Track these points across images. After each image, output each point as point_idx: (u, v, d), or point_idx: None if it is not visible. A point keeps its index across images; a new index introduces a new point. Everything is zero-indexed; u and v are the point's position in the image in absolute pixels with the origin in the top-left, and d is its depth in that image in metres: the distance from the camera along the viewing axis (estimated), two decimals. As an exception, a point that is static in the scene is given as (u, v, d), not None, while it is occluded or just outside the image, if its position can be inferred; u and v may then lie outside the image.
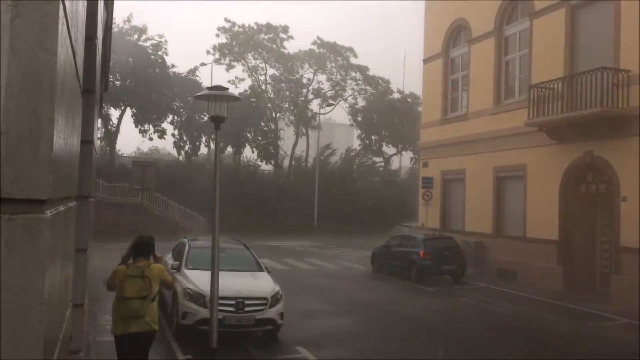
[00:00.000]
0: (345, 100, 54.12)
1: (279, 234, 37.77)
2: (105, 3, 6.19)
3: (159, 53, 43.92)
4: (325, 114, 55.32)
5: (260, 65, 51.49)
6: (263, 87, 50.91)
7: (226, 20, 50.08)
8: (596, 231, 18.20)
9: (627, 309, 14.63)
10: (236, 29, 49.94)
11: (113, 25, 8.72)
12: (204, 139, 45.71)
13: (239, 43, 49.77)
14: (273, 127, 49.07)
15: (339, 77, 52.90)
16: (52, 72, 1.46)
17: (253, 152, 47.48)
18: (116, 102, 41.61)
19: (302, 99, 51.78)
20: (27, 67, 1.39)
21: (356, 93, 53.88)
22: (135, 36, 43.38)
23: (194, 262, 11.73)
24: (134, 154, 55.55)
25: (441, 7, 25.44)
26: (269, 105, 49.47)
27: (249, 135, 46.19)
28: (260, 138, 46.65)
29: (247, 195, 41.43)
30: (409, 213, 35.87)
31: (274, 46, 50.44)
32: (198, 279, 10.83)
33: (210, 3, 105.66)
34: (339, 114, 64.15)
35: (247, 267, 12.09)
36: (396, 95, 53.63)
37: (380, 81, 53.06)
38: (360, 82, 53.23)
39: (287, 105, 52.15)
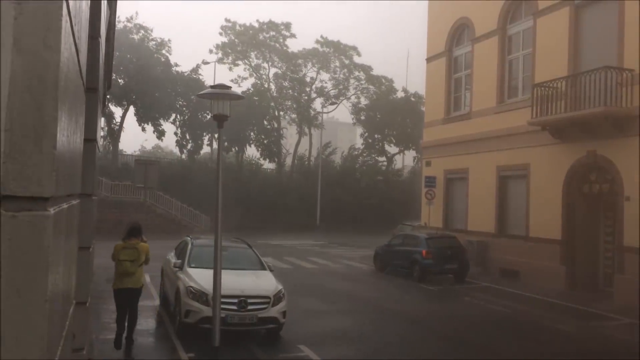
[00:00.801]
0: (348, 99, 54.13)
1: (281, 233, 37.79)
2: (108, 2, 6.20)
3: (162, 52, 43.97)
4: (328, 112, 55.32)
5: (263, 64, 51.53)
6: (266, 85, 50.92)
7: (227, 20, 50.12)
8: (599, 231, 18.15)
9: (630, 308, 14.59)
10: (238, 27, 49.95)
11: (116, 24, 8.73)
12: (206, 137, 45.76)
13: (241, 42, 49.77)
14: (276, 125, 49.09)
15: (342, 76, 52.88)
16: (55, 69, 1.46)
17: (257, 150, 47.53)
18: (119, 101, 41.68)
19: (305, 97, 51.76)
20: (30, 64, 1.39)
21: (359, 92, 53.87)
22: (139, 35, 43.42)
23: (197, 261, 11.75)
24: (137, 152, 55.64)
25: (444, 6, 25.40)
26: (272, 104, 49.48)
27: (251, 134, 46.22)
28: (263, 137, 46.68)
29: (250, 193, 41.45)
30: (412, 212, 35.84)
31: (277, 44, 50.43)
32: (201, 277, 10.84)
33: (213, 2, 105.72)
34: (342, 113, 64.18)
35: (250, 265, 12.10)
36: (400, 94, 53.58)
37: (383, 80, 53.02)
38: (363, 82, 53.21)
39: (290, 104, 52.14)
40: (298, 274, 19.94)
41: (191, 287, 10.64)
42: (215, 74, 50.74)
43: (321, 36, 51.79)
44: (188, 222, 37.08)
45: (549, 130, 18.57)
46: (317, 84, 52.61)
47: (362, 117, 53.05)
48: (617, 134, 16.44)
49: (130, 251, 9.87)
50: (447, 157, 24.45)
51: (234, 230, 26.76)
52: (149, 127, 43.59)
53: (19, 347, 1.38)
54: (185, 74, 45.12)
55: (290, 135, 62.95)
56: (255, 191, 42.16)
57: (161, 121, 43.78)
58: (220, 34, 50.09)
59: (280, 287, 11.08)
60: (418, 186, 32.77)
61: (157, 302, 14.02)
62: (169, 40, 44.58)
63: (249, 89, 47.45)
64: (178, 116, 44.74)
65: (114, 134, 43.18)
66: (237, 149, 46.73)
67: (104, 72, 6.66)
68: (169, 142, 51.42)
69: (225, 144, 43.05)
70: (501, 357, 10.51)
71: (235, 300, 10.29)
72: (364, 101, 53.86)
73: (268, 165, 49.66)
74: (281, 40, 50.35)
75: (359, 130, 56.60)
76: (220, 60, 49.98)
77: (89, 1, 3.04)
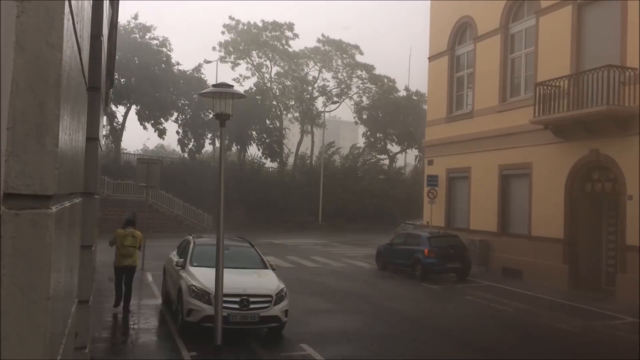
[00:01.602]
0: (351, 98, 54.09)
1: (283, 232, 37.79)
2: (111, 1, 6.20)
3: (164, 50, 43.98)
4: (330, 111, 55.31)
5: (265, 63, 51.53)
6: (268, 84, 50.92)
7: (231, 18, 50.13)
8: (602, 230, 18.13)
9: (633, 307, 14.58)
10: (241, 26, 49.94)
11: (118, 23, 8.74)
12: (208, 136, 45.79)
13: (244, 41, 49.76)
14: (278, 124, 49.07)
15: (344, 74, 52.85)
16: (57, 68, 1.46)
17: (259, 149, 47.53)
18: (121, 100, 41.72)
19: (307, 96, 51.74)
20: (33, 63, 1.39)
21: (361, 91, 53.84)
22: (141, 34, 43.45)
23: (199, 260, 11.76)
24: (139, 151, 55.68)
25: (447, 4, 25.37)
26: (274, 102, 49.47)
27: (253, 133, 46.21)
28: (265, 136, 46.67)
29: (252, 192, 41.47)
30: (414, 211, 35.83)
31: (279, 44, 50.40)
32: (203, 276, 10.85)
33: (215, 2, 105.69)
34: (344, 112, 64.17)
35: (252, 264, 12.11)
36: (402, 93, 53.53)
37: (385, 80, 52.98)
38: (365, 81, 53.16)
39: (292, 103, 52.13)
40: (300, 272, 19.94)
41: (193, 285, 10.65)
42: (217, 73, 50.86)
43: (322, 35, 51.80)
44: (190, 221, 37.12)
45: (552, 129, 18.54)
46: (320, 82, 52.65)
47: (364, 116, 53.02)
48: (619, 133, 16.41)
49: (130, 238, 12.64)
50: (449, 156, 24.43)
51: (236, 229, 26.78)
52: (150, 126, 43.62)
53: (22, 345, 1.38)
54: (188, 73, 45.14)
55: (292, 135, 62.95)
56: (257, 190, 42.17)
57: (162, 120, 43.81)
58: (223, 32, 50.12)
59: (282, 286, 11.09)
60: (420, 185, 32.76)
61: (159, 300, 14.04)
62: (168, 39, 44.56)
63: (251, 88, 47.45)
64: (180, 115, 44.77)
65: (116, 132, 43.24)
66: (239, 148, 46.74)
67: (106, 71, 6.66)
68: (171, 141, 51.45)
69: (227, 142, 43.07)
70: (504, 356, 10.50)
71: (238, 299, 10.29)
72: (366, 100, 53.84)
73: (270, 164, 49.67)
74: (284, 40, 50.33)
75: (362, 129, 56.58)
76: (222, 59, 50.00)
77: (91, 0, 3.04)
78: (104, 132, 39.02)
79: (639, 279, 14.91)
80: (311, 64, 52.25)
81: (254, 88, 47.79)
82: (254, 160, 48.51)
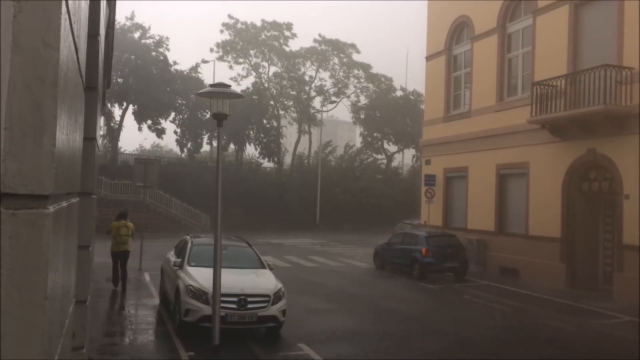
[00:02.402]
0: (348, 97, 54.11)
1: (281, 232, 37.79)
2: (108, 1, 6.19)
3: (160, 50, 43.92)
4: (327, 111, 55.30)
5: (262, 62, 51.50)
6: (265, 84, 50.91)
7: (230, 17, 50.09)
8: (599, 229, 18.17)
9: (630, 306, 14.61)
10: (240, 25, 49.90)
11: (115, 23, 8.73)
12: (206, 136, 45.75)
13: (242, 40, 49.74)
14: (275, 124, 49.07)
15: (341, 74, 52.86)
16: (54, 68, 1.46)
17: (256, 149, 47.52)
18: (118, 100, 41.66)
19: (305, 96, 51.75)
20: (29, 62, 1.39)
21: (359, 91, 53.86)
22: (138, 34, 43.38)
23: (197, 260, 11.75)
24: (136, 151, 55.63)
25: (444, 4, 25.40)
26: (272, 102, 49.46)
27: (251, 132, 46.20)
28: (262, 135, 46.66)
29: (250, 192, 41.46)
30: (412, 211, 35.87)
31: (277, 44, 50.39)
32: (201, 276, 10.84)
33: (212, 2, 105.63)
34: (341, 111, 64.17)
35: (250, 264, 12.11)
36: (399, 93, 53.56)
37: (382, 79, 53.00)
38: (362, 80, 53.18)
39: (289, 103, 52.13)
40: (298, 272, 19.95)
41: (191, 285, 10.65)
42: (214, 73, 50.75)
43: (319, 34, 51.82)
44: (188, 221, 37.09)
45: (549, 128, 18.57)
46: (317, 82, 52.66)
47: (362, 116, 53.04)
48: (616, 132, 16.44)
49: (124, 228, 15.38)
50: (446, 155, 24.46)
51: (234, 228, 26.75)
52: (147, 127, 43.55)
53: (19, 345, 1.38)
54: (185, 73, 45.10)
55: (289, 134, 62.96)
56: (255, 190, 42.16)
57: (160, 120, 43.75)
58: (222, 31, 50.08)
59: (280, 285, 11.09)
60: (417, 185, 32.79)
61: (157, 300, 14.03)
62: (167, 37, 44.49)
63: (248, 88, 47.43)
64: (178, 115, 44.72)
65: (114, 132, 43.18)
66: (236, 147, 46.71)
67: (103, 71, 6.65)
68: (169, 140, 51.44)
69: (225, 142, 43.07)
70: (501, 355, 10.52)
71: (235, 299, 10.29)
72: (363, 100, 53.88)
73: (267, 164, 49.66)
74: (281, 40, 50.32)
75: (359, 128, 56.60)
76: (220, 58, 49.97)
77: (88, 0, 3.04)
78: (102, 132, 39.03)
79: (639, 278, 14.92)
80: (308, 63, 52.26)
81: (252, 88, 47.78)
82: (251, 160, 48.49)
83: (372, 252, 23.14)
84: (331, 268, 22.08)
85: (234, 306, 10.26)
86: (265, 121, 47.15)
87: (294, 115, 52.31)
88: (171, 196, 37.25)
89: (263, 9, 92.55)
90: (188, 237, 13.62)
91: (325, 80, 52.98)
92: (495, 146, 21.38)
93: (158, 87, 41.84)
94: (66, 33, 1.65)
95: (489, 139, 21.62)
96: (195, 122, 44.29)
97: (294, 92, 51.42)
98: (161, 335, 11.07)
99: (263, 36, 49.83)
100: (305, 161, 51.99)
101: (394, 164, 56.16)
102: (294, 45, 51.79)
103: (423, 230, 22.83)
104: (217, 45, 49.87)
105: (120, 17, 43.43)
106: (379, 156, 54.40)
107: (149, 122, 43.15)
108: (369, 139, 52.78)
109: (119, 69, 39.77)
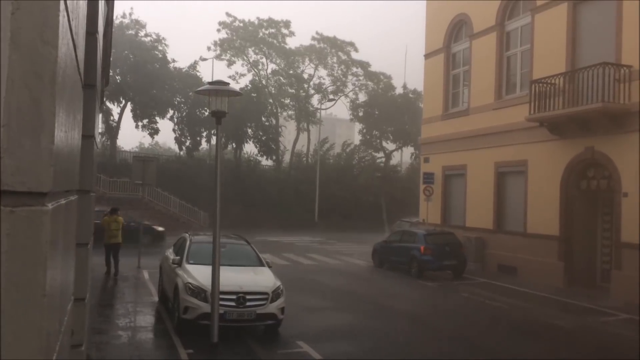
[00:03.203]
0: (346, 95, 54.06)
1: (279, 229, 37.80)
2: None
3: (159, 47, 43.86)
4: (326, 109, 55.31)
5: (261, 60, 51.46)
6: (264, 82, 50.86)
7: (228, 15, 50.01)
8: (597, 227, 18.20)
9: (627, 304, 14.64)
10: (237, 23, 49.84)
11: (114, 20, 8.71)
12: (204, 134, 45.71)
13: (240, 38, 49.68)
14: (274, 122, 49.04)
15: (339, 72, 52.82)
16: (53, 65, 1.46)
17: (255, 147, 47.52)
18: (117, 97, 41.60)
19: (303, 94, 51.71)
20: (28, 60, 1.39)
21: (357, 88, 53.83)
22: (134, 31, 43.27)
23: (195, 257, 11.75)
24: (135, 149, 55.58)
25: (443, 2, 25.38)
26: (270, 100, 49.43)
27: (249, 130, 46.17)
28: (261, 133, 46.63)
29: (248, 190, 41.46)
30: (410, 208, 35.88)
31: (275, 41, 50.34)
32: (199, 273, 10.84)
33: (211, 0, 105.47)
34: (340, 109, 64.16)
35: (248, 262, 12.11)
36: (398, 91, 53.55)
37: (381, 77, 52.96)
38: (361, 78, 53.14)
39: (288, 101, 52.09)
40: (296, 270, 19.96)
41: (190, 283, 10.65)
42: (213, 71, 50.74)
43: (317, 32, 51.78)
44: (186, 219, 37.07)
45: (547, 126, 18.58)
46: (315, 80, 52.61)
47: (360, 114, 53.01)
48: (615, 130, 16.46)
49: (115, 223, 17.03)
50: (445, 153, 24.47)
51: (232, 226, 26.75)
52: (143, 126, 43.47)
53: (18, 343, 1.38)
54: (183, 70, 45.05)
55: (288, 132, 62.96)
56: (254, 188, 42.16)
57: (158, 118, 43.72)
58: (219, 30, 50.00)
59: (278, 283, 11.09)
60: (416, 183, 32.80)
61: (155, 298, 14.04)
62: (163, 38, 44.43)
63: (247, 86, 47.38)
64: (176, 113, 44.68)
65: (112, 130, 43.13)
66: (235, 145, 46.70)
67: (102, 69, 6.64)
68: (167, 138, 51.43)
69: (223, 140, 43.03)
70: (499, 353, 10.53)
71: (234, 297, 10.29)
72: (362, 97, 53.86)
73: (266, 161, 49.64)
74: (280, 37, 50.27)
75: (358, 126, 56.57)
76: (218, 57, 49.91)
77: (87, -3, 3.03)
78: (100, 130, 38.98)
79: (639, 276, 14.94)
80: (307, 61, 52.22)
81: (250, 86, 47.74)
82: (250, 158, 48.48)
83: (371, 249, 23.16)
84: (329, 266, 22.09)
85: (233, 304, 10.26)
86: (263, 119, 47.12)
87: (292, 113, 52.27)
88: (170, 194, 37.22)
89: (261, 7, 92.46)
90: (187, 234, 13.62)
91: (323, 78, 53.00)
92: (494, 144, 21.39)
93: (156, 85, 41.78)
94: (64, 30, 1.65)
95: (488, 136, 21.63)
96: (194, 119, 44.25)
97: (292, 90, 51.38)
98: (160, 333, 11.08)
99: (261, 34, 49.76)
100: (304, 159, 51.98)
101: (393, 161, 56.17)
102: (292, 43, 51.81)
103: (421, 228, 22.85)
104: (215, 43, 49.82)
105: (119, 15, 43.35)
106: (378, 154, 54.41)
107: (145, 121, 43.06)
108: (368, 137, 52.77)
109: (118, 67, 39.70)
